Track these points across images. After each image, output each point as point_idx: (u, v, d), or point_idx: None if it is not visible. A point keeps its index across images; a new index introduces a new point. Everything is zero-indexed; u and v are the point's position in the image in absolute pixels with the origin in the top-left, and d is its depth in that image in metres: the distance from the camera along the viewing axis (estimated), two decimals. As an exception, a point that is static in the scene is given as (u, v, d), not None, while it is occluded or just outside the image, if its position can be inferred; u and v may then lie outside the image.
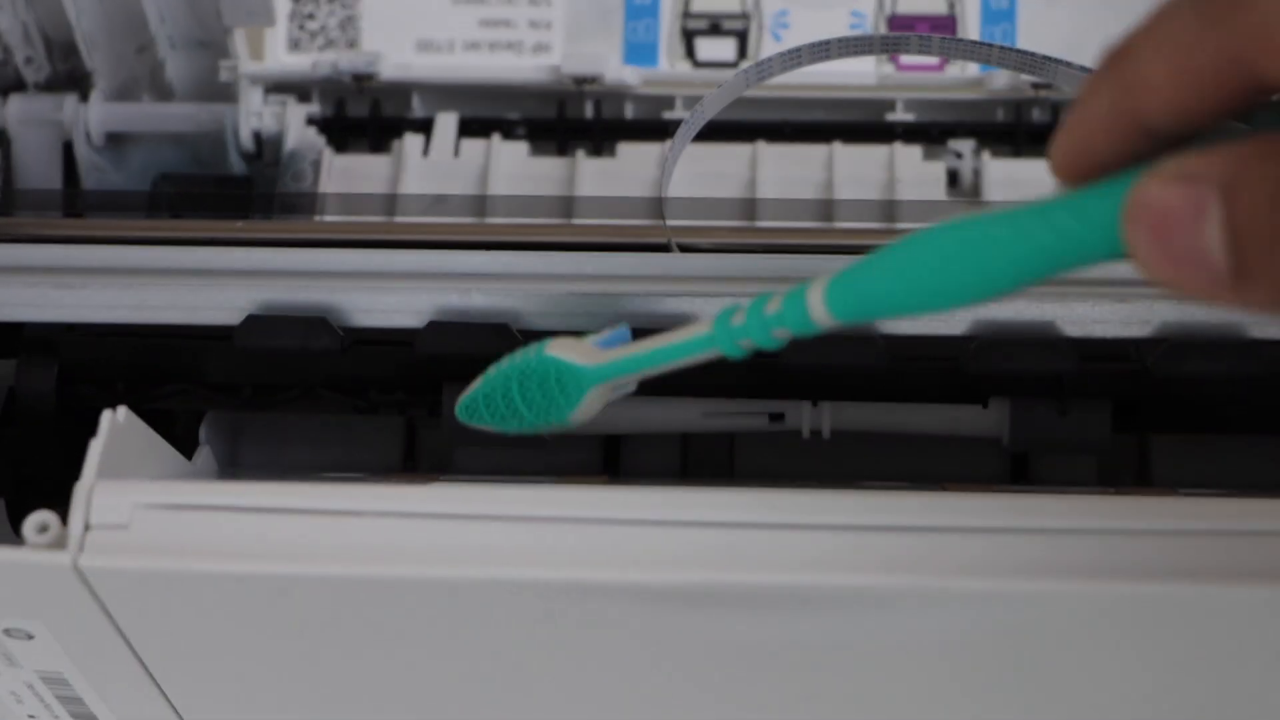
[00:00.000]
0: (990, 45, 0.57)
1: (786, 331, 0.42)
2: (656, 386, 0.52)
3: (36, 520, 0.43)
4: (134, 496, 0.43)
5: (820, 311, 0.40)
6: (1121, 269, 0.50)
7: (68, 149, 0.75)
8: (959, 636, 0.42)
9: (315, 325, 0.52)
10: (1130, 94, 0.34)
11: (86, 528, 0.42)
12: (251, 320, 0.52)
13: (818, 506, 0.41)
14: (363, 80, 0.78)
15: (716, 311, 0.44)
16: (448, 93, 0.78)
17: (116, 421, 0.45)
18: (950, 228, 0.37)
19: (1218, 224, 0.32)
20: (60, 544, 0.42)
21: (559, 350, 0.47)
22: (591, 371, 0.47)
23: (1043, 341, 0.51)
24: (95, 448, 0.44)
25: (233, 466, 0.60)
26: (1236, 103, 0.33)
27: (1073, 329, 0.51)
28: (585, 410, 0.47)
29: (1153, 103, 0.33)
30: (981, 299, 0.37)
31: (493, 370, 0.48)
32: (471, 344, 0.52)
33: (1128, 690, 0.45)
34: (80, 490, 0.43)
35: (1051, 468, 0.59)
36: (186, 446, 0.56)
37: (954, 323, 0.51)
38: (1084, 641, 0.43)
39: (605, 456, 0.60)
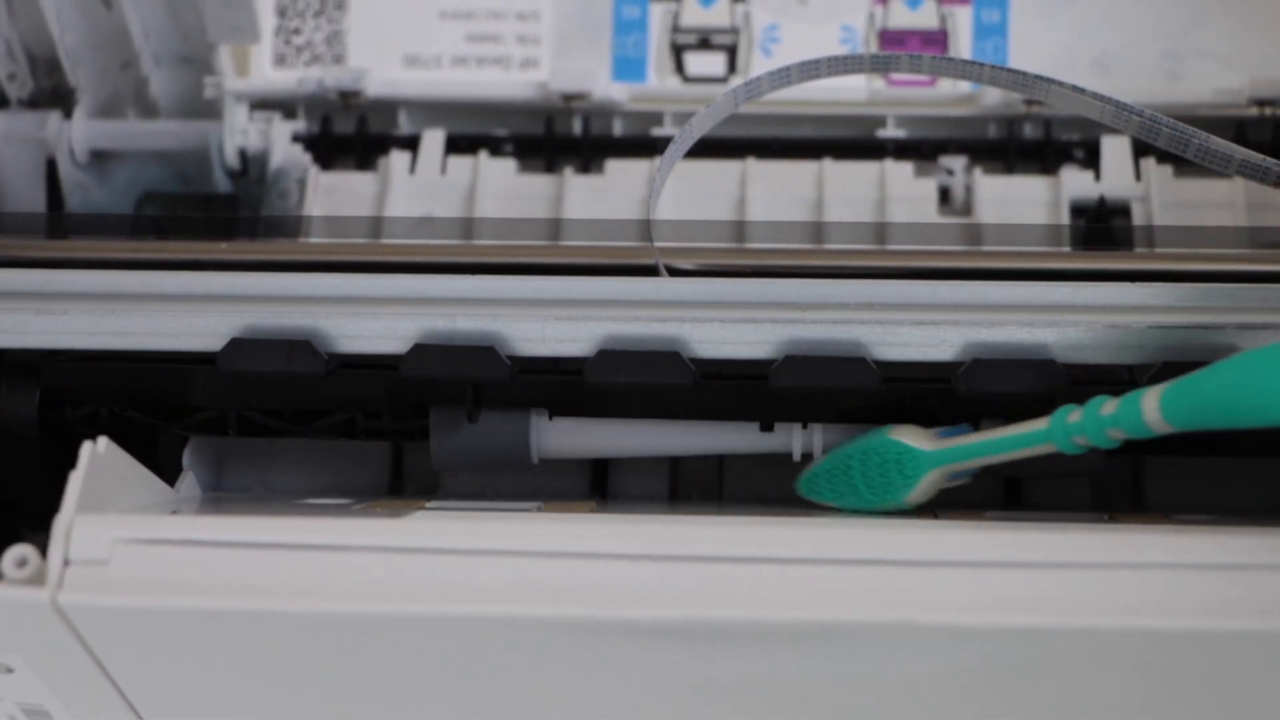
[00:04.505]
0: (981, 64, 0.57)
1: (1121, 432, 0.46)
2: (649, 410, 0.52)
3: (15, 555, 0.42)
4: (114, 531, 0.42)
5: (1155, 417, 0.45)
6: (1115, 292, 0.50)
7: (51, 166, 0.74)
8: (951, 671, 0.42)
9: (299, 349, 0.51)
10: None
11: (66, 563, 0.42)
12: (235, 344, 0.51)
13: (811, 540, 0.41)
14: (349, 97, 0.77)
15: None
16: (435, 109, 0.78)
17: (96, 453, 0.44)
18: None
19: None
20: (39, 580, 0.42)
21: (902, 434, 0.51)
22: (931, 456, 0.51)
23: (1034, 364, 0.50)
24: (75, 481, 0.43)
25: (217, 491, 0.59)
26: None
27: (1067, 354, 0.50)
28: (920, 493, 0.51)
29: None
30: None
31: (838, 450, 0.52)
32: (456, 367, 0.51)
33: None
34: (59, 525, 0.42)
35: (1044, 491, 0.58)
36: (170, 471, 0.56)
37: (945, 346, 0.51)
38: (1072, 675, 0.42)
39: (593, 480, 0.59)
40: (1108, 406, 0.47)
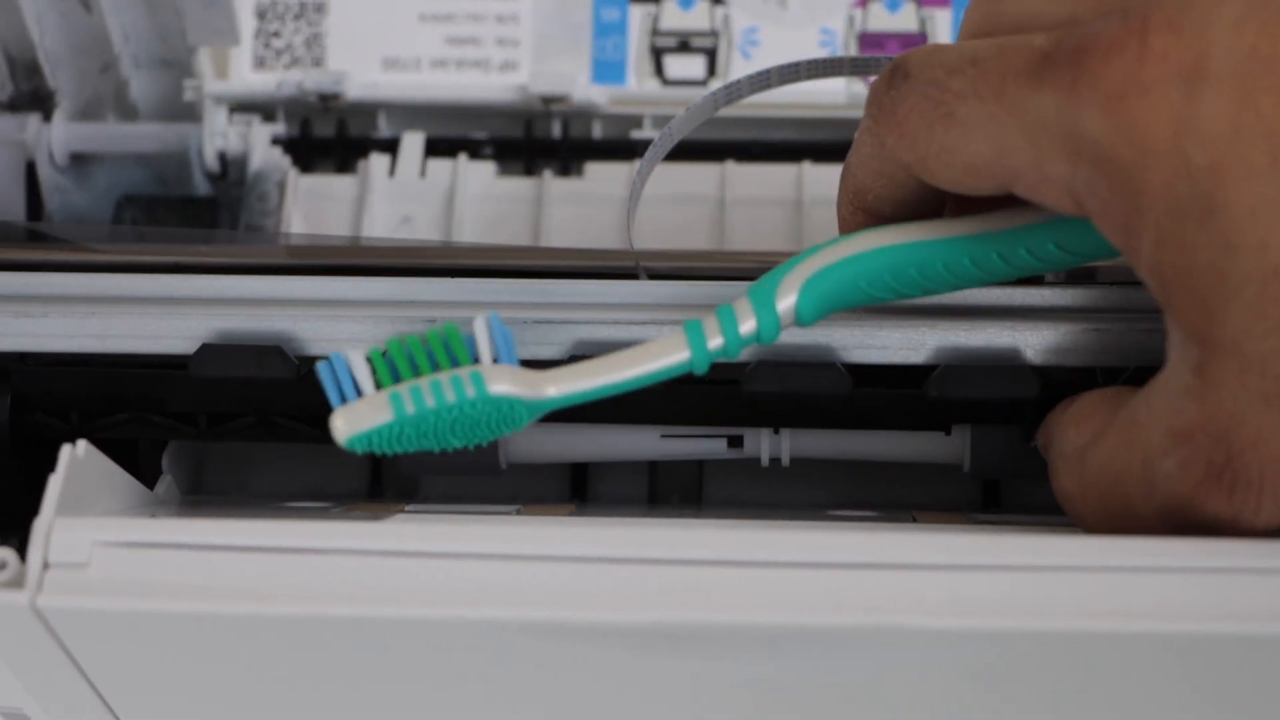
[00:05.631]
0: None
1: (756, 344, 0.46)
2: (617, 415, 0.52)
3: (-5, 557, 0.42)
4: (94, 534, 0.42)
5: (790, 321, 0.46)
6: (1093, 296, 0.50)
7: (31, 169, 0.74)
8: (933, 675, 0.42)
9: (269, 354, 0.51)
10: (860, 196, 0.47)
11: (45, 566, 0.42)
12: (206, 349, 0.51)
13: (793, 544, 0.41)
14: (328, 99, 0.77)
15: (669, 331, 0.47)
16: (414, 112, 0.78)
17: (76, 455, 0.44)
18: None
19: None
20: (18, 583, 0.42)
21: (500, 384, 0.44)
22: (543, 405, 0.45)
23: (1006, 369, 0.50)
24: (54, 483, 0.43)
25: (196, 494, 0.59)
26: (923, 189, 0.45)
27: (1039, 356, 0.50)
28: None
29: (873, 197, 0.47)
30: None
31: (409, 407, 0.44)
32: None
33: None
34: (39, 527, 0.42)
35: (1021, 493, 0.58)
36: (149, 475, 0.56)
37: (918, 350, 0.51)
38: (1055, 680, 0.42)
39: (573, 484, 0.60)
40: (746, 325, 0.45)
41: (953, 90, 0.42)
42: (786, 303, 0.45)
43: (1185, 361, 0.39)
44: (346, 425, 0.45)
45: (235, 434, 0.55)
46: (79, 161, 0.76)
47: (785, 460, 0.54)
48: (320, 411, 0.54)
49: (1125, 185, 0.39)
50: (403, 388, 0.45)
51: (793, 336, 0.50)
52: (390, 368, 0.45)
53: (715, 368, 0.51)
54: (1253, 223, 0.37)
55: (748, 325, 0.45)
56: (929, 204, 0.46)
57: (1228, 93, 0.37)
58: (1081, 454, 0.44)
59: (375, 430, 0.45)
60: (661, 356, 0.45)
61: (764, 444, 0.54)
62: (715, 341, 0.45)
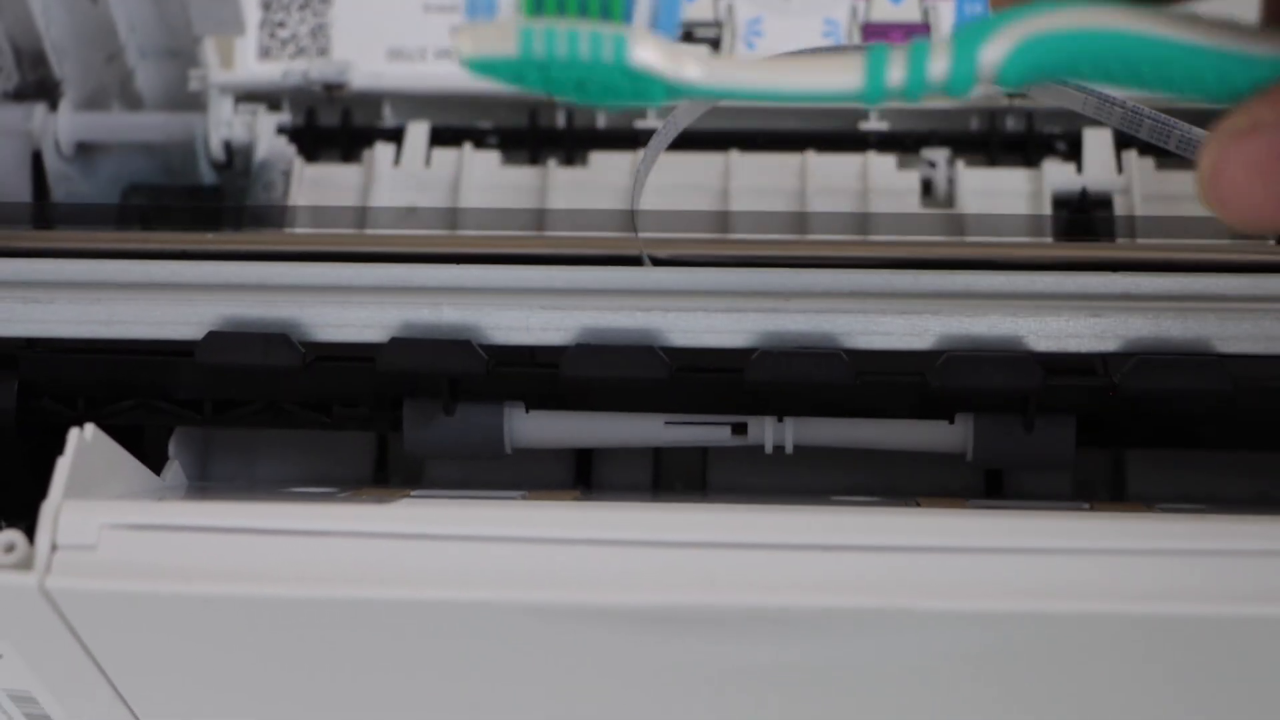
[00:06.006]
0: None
1: (941, 94, 0.38)
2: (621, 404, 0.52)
3: (3, 540, 0.42)
4: (101, 516, 0.42)
5: (990, 82, 0.37)
6: (1096, 282, 0.50)
7: (37, 159, 0.74)
8: (940, 657, 0.42)
9: (276, 341, 0.51)
10: None
11: (53, 548, 0.42)
12: (213, 336, 0.52)
13: (794, 526, 0.41)
14: (333, 89, 0.78)
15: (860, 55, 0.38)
16: (419, 102, 0.78)
17: (84, 439, 0.45)
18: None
19: None
20: (27, 564, 0.42)
21: (650, 58, 0.38)
22: (689, 90, 0.39)
23: (1008, 357, 0.50)
24: (62, 466, 0.43)
25: (203, 481, 0.60)
26: None
27: (1045, 343, 0.50)
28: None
29: None
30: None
31: (539, 46, 0.38)
32: (434, 360, 0.52)
33: (1112, 710, 0.45)
34: (47, 510, 0.42)
35: (1024, 482, 0.59)
36: (155, 461, 0.56)
37: (922, 338, 0.51)
38: (1060, 662, 0.43)
39: (577, 470, 0.60)
40: (937, 66, 0.37)
41: None
42: (994, 54, 0.37)
43: None
44: (471, 45, 0.39)
45: (241, 420, 0.56)
46: (85, 151, 0.76)
47: (789, 447, 0.54)
48: (325, 398, 0.55)
49: None
50: (539, 25, 0.39)
51: (794, 324, 0.51)
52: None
53: (717, 355, 0.51)
54: None
55: (939, 66, 0.37)
56: None
57: None
58: None
59: (498, 61, 0.39)
60: (830, 73, 0.39)
61: (768, 431, 0.54)
62: (897, 74, 0.38)
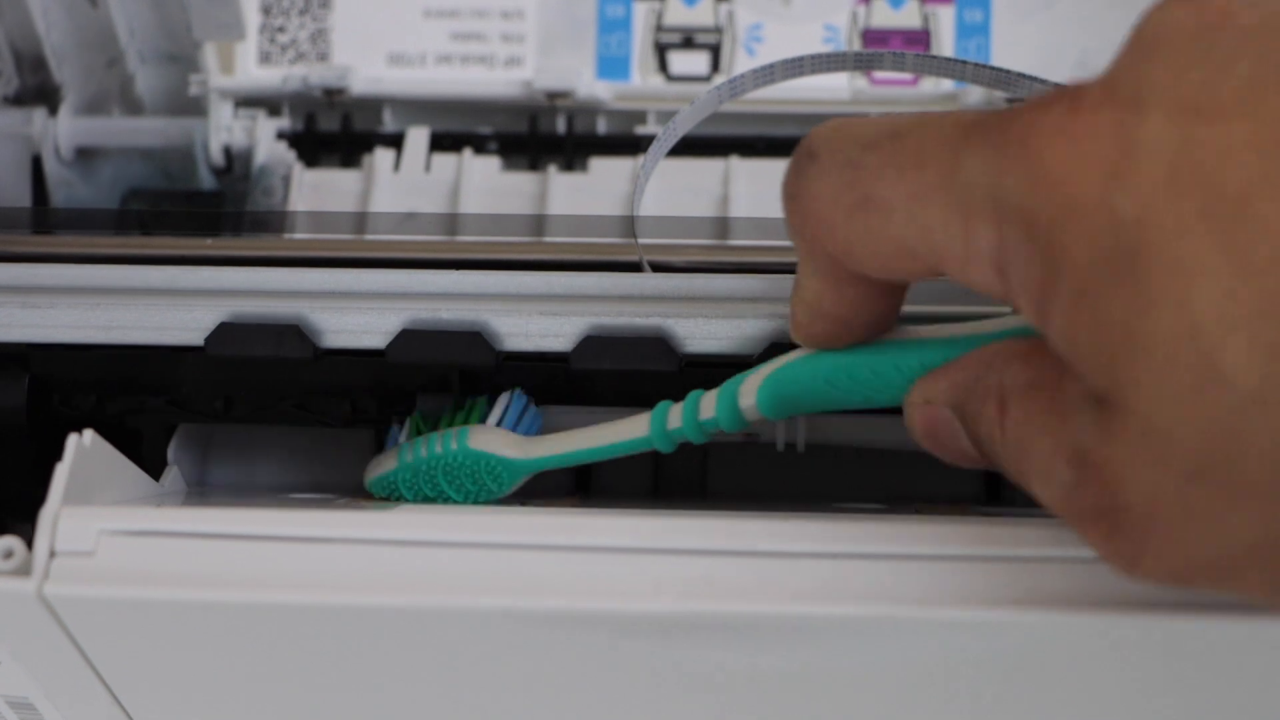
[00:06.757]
0: (964, 62, 0.57)
1: (721, 431, 0.48)
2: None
3: (1, 545, 0.42)
4: (100, 523, 0.42)
5: (754, 416, 0.47)
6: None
7: (37, 163, 0.74)
8: (939, 665, 0.42)
9: (288, 333, 0.52)
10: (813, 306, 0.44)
11: (52, 554, 0.42)
12: (224, 328, 0.52)
13: (792, 534, 0.41)
14: (333, 94, 0.78)
15: (649, 412, 0.49)
16: (419, 107, 0.78)
17: (83, 445, 0.45)
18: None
19: (964, 436, 0.42)
20: (25, 571, 0.42)
21: (483, 443, 0.51)
22: (524, 465, 0.51)
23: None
24: (61, 472, 0.43)
25: (201, 486, 0.60)
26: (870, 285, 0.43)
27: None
28: (518, 486, 0.52)
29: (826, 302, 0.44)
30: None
31: (409, 456, 0.52)
32: (445, 353, 0.52)
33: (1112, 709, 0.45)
34: (45, 516, 0.42)
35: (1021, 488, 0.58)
36: (154, 467, 0.56)
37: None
38: (1060, 669, 0.42)
39: (577, 476, 0.60)
40: (705, 409, 0.48)
41: (869, 168, 0.39)
42: (749, 392, 0.47)
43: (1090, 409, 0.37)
44: (369, 472, 0.53)
45: (247, 418, 0.56)
46: (85, 156, 0.76)
47: (800, 445, 0.54)
48: (335, 392, 0.55)
49: (1046, 247, 0.36)
50: (412, 441, 0.52)
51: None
52: (422, 430, 0.53)
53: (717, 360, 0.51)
54: (1175, 280, 0.34)
55: (707, 409, 0.48)
56: (887, 299, 0.44)
57: (1165, 140, 0.35)
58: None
59: (384, 476, 0.53)
60: (625, 429, 0.50)
61: (779, 428, 0.54)
62: (675, 421, 0.49)
